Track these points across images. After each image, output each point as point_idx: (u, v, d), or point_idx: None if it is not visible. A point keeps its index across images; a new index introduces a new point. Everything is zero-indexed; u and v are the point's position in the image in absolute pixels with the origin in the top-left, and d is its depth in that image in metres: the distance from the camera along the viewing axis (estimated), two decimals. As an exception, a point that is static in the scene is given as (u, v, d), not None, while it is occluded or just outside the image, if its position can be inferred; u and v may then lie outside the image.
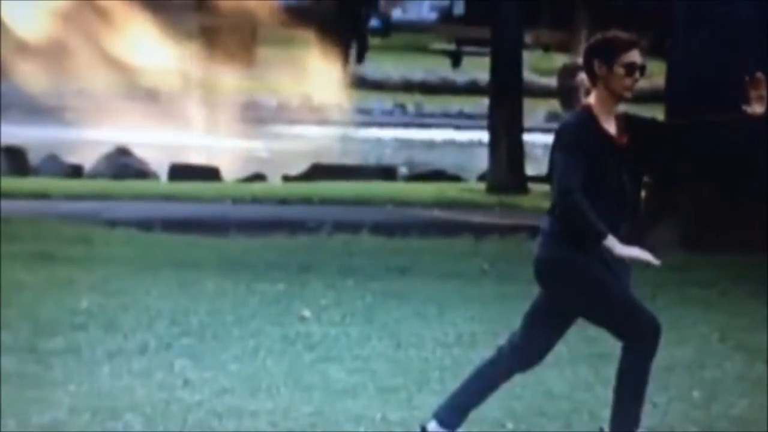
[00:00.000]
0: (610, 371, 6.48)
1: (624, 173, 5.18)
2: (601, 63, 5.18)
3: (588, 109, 5.21)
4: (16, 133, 19.86)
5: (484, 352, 7.13)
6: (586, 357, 6.91)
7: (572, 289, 5.22)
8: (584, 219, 5.09)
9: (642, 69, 5.22)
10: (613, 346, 6.99)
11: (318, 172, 17.33)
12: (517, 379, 6.48)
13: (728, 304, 8.74)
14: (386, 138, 25.40)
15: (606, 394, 5.60)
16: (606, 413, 5.37)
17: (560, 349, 7.12)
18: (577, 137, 5.15)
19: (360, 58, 28.71)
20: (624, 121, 5.26)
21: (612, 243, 5.10)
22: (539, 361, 5.44)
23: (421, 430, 5.42)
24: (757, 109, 5.30)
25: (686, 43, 11.86)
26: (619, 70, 5.17)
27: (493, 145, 16.37)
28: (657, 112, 8.40)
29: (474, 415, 5.80)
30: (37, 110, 24.36)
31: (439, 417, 5.39)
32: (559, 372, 6.70)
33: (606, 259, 5.17)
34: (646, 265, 5.17)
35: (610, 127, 5.22)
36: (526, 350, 5.37)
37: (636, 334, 5.21)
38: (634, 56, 5.19)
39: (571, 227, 5.13)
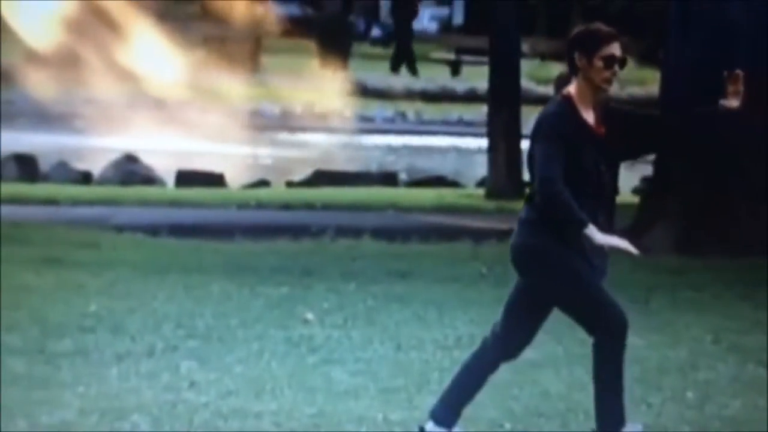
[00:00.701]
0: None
1: (602, 163, 5.17)
2: (581, 55, 5.18)
3: (568, 99, 5.21)
4: (27, 140, 19.88)
5: (483, 354, 7.15)
6: (581, 358, 6.89)
7: (544, 277, 5.22)
8: (565, 207, 5.08)
9: (622, 62, 5.19)
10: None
11: (321, 178, 17.33)
12: (514, 379, 6.48)
13: (721, 307, 8.73)
14: (387, 145, 25.40)
15: (602, 395, 5.58)
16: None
17: (556, 350, 7.14)
18: (556, 126, 5.15)
19: (413, 71, 28.18)
20: (603, 111, 5.25)
21: (592, 231, 5.08)
22: (521, 351, 5.40)
23: (419, 430, 5.42)
24: (732, 103, 5.29)
25: (680, 50, 11.86)
26: (599, 63, 5.16)
27: (492, 151, 16.37)
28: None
29: (472, 415, 5.80)
30: (47, 118, 24.37)
31: (435, 416, 5.40)
32: (555, 373, 6.70)
33: (583, 250, 5.15)
34: (626, 254, 5.15)
35: (589, 117, 5.21)
36: (507, 340, 5.36)
37: (604, 328, 5.19)
38: (614, 49, 5.17)
39: (551, 215, 5.13)
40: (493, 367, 5.41)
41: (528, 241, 5.22)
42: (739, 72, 5.29)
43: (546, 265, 5.19)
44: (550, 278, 5.22)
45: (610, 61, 5.17)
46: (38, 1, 25.74)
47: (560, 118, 5.17)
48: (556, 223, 5.12)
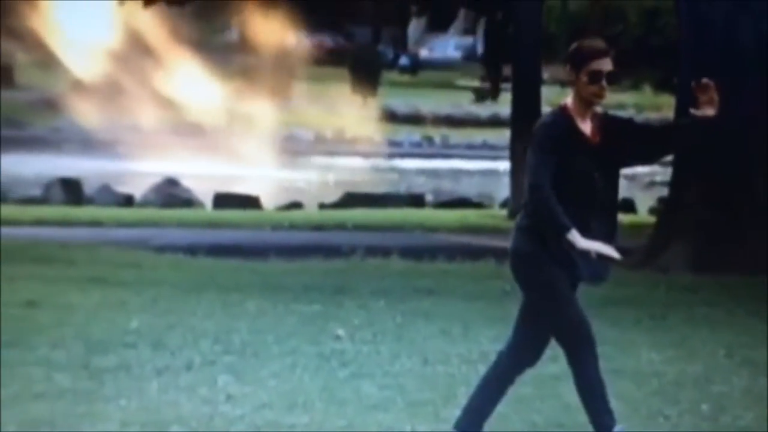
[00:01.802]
0: (624, 385, 6.45)
1: (595, 171, 5.13)
2: (570, 69, 5.17)
3: (564, 109, 5.18)
4: (72, 165, 19.98)
5: (506, 369, 7.12)
6: (604, 372, 6.86)
7: (525, 282, 5.19)
8: (549, 212, 5.02)
9: (610, 76, 5.13)
10: (625, 362, 6.95)
11: (351, 200, 17.35)
12: (537, 393, 6.45)
13: (734, 323, 8.67)
14: (415, 168, 25.40)
15: (620, 407, 5.55)
16: (620, 425, 5.32)
17: (577, 365, 7.08)
18: (549, 135, 5.11)
19: (494, 95, 27.50)
20: (601, 120, 5.21)
21: (574, 236, 5.00)
22: (535, 359, 5.32)
23: None
24: (708, 112, 5.24)
25: (693, 78, 11.81)
26: (584, 78, 5.12)
27: (514, 173, 16.35)
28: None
29: (497, 427, 5.76)
30: (91, 144, 24.52)
31: (459, 426, 5.37)
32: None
33: (569, 258, 5.05)
34: (610, 259, 5.10)
35: (585, 126, 5.16)
36: (521, 348, 5.32)
37: (570, 342, 5.15)
38: (600, 65, 5.11)
39: (539, 221, 5.10)
40: (510, 377, 5.37)
41: (518, 246, 5.21)
42: (707, 81, 5.23)
43: (528, 271, 5.17)
44: (529, 285, 5.20)
45: (594, 76, 5.13)
46: (84, 33, 25.90)
47: (553, 127, 5.14)
48: (543, 229, 5.09)
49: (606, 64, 5.13)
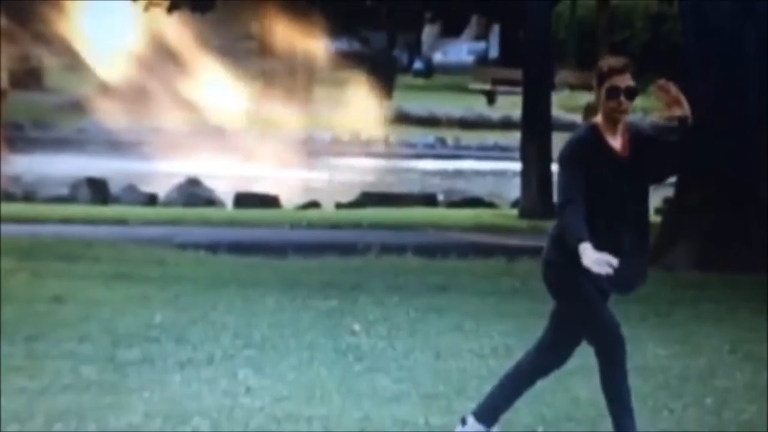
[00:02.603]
0: (631, 379, 6.41)
1: (625, 184, 5.10)
2: (595, 86, 5.17)
3: (594, 125, 5.17)
4: (99, 166, 20.01)
5: (517, 363, 7.10)
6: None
7: (556, 290, 5.17)
8: (567, 225, 4.99)
9: (628, 92, 5.10)
10: (632, 357, 6.92)
11: (367, 199, 17.34)
12: (547, 387, 6.43)
13: (738, 320, 8.66)
14: (428, 168, 25.38)
15: (627, 401, 5.53)
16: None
17: (586, 359, 7.06)
18: (577, 151, 5.09)
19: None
20: (632, 135, 5.17)
21: (584, 250, 4.92)
22: (563, 362, 5.33)
23: (461, 420, 5.39)
24: (676, 112, 5.20)
25: (698, 84, 11.79)
26: (603, 94, 5.11)
27: (525, 174, 16.33)
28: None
29: (509, 419, 5.75)
30: (117, 145, 24.56)
31: (477, 414, 5.36)
32: (585, 381, 6.63)
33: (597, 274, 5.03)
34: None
35: (616, 141, 5.14)
36: (548, 351, 5.30)
37: (599, 346, 5.15)
38: (617, 81, 5.09)
39: (560, 232, 5.08)
40: (532, 378, 5.36)
41: (548, 255, 5.20)
42: (663, 82, 5.18)
43: (556, 279, 5.16)
44: (557, 293, 5.20)
45: (611, 92, 5.11)
46: (110, 38, 25.94)
47: (582, 143, 5.13)
48: (565, 240, 5.08)
49: (624, 80, 5.11)
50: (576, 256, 5.03)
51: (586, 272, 5.04)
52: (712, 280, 10.18)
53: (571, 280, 5.11)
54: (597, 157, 5.10)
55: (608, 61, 5.16)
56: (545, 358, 5.34)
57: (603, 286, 5.14)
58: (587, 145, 5.12)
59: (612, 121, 5.14)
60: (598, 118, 5.19)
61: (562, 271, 5.13)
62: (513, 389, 5.39)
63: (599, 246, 5.03)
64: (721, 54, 11.56)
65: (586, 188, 5.06)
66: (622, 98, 5.11)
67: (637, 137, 5.19)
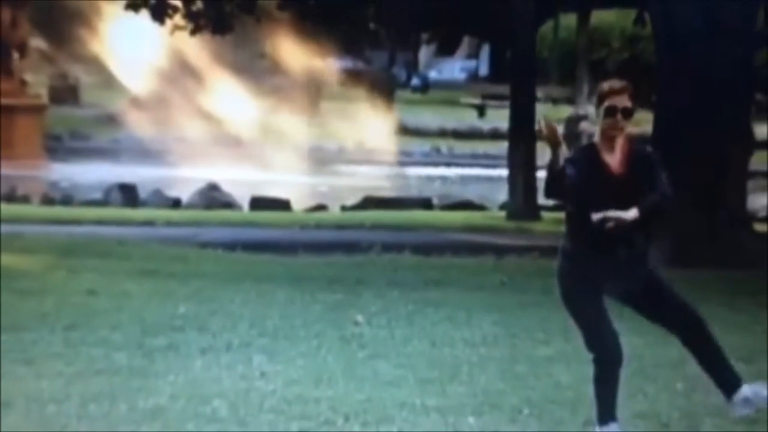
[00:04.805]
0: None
1: (617, 199, 5.01)
2: (595, 106, 5.14)
3: (592, 144, 5.12)
4: (129, 172, 19.99)
5: (504, 350, 7.09)
6: (588, 354, 6.81)
7: (561, 298, 5.12)
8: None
9: (625, 112, 5.04)
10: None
11: (369, 203, 17.31)
12: (531, 372, 6.41)
13: (706, 312, 8.58)
14: (425, 175, 25.36)
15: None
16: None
17: (566, 347, 7.05)
18: (570, 155, 5.01)
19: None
20: (631, 153, 5.08)
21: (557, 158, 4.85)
22: (617, 350, 5.10)
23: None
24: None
25: (670, 97, 11.78)
26: (601, 112, 5.08)
27: (512, 180, 16.31)
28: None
29: (496, 402, 5.73)
30: (146, 153, 24.52)
31: (600, 421, 5.14)
32: (566, 367, 6.62)
33: (595, 273, 4.99)
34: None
35: (612, 158, 5.07)
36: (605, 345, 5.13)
37: (596, 355, 5.07)
38: (614, 101, 5.04)
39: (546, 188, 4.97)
40: (615, 371, 5.12)
41: (558, 264, 5.12)
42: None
43: (559, 286, 5.09)
44: (563, 300, 5.12)
45: (609, 111, 5.06)
46: (139, 57, 25.94)
47: (576, 152, 5.06)
48: (549, 192, 4.98)
49: (621, 101, 5.05)
50: (579, 265, 4.94)
51: (588, 279, 4.97)
52: (683, 275, 10.15)
53: (574, 290, 5.04)
54: (591, 170, 5.03)
55: (609, 83, 5.12)
56: (610, 352, 5.11)
57: (609, 292, 5.07)
58: (583, 159, 5.02)
59: (608, 138, 5.08)
60: (596, 137, 5.14)
61: (566, 281, 5.06)
62: (609, 383, 5.14)
63: (595, 256, 4.98)
64: (691, 70, 11.53)
65: (583, 202, 4.98)
66: (619, 117, 5.05)
67: (635, 155, 5.09)
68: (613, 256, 5.02)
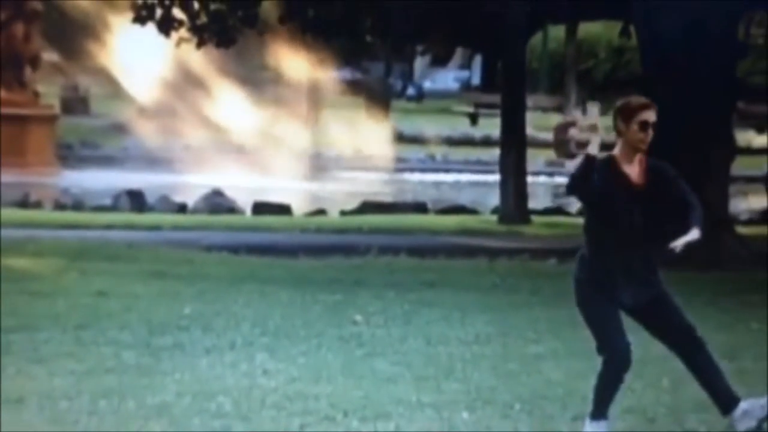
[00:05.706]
0: (598, 362, 6.39)
1: (636, 210, 5.00)
2: (621, 121, 5.08)
3: (611, 156, 5.09)
4: (137, 179, 19.96)
5: (497, 348, 7.09)
6: (579, 352, 6.80)
7: (576, 303, 5.11)
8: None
9: (654, 126, 5.06)
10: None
11: (367, 207, 17.29)
12: (523, 369, 6.40)
13: (691, 311, 8.57)
14: (420, 181, 25.35)
15: (594, 381, 5.49)
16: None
17: (557, 345, 7.05)
18: (595, 168, 4.94)
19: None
20: (648, 166, 5.07)
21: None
22: (627, 354, 5.12)
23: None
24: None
25: (653, 103, 11.76)
26: (634, 127, 5.05)
27: (503, 185, 16.30)
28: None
29: (489, 398, 5.72)
30: (153, 161, 24.49)
31: (592, 416, 5.17)
32: (556, 364, 6.61)
33: (609, 281, 4.95)
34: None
35: (632, 170, 5.05)
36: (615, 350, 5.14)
37: (605, 358, 5.07)
38: (646, 116, 5.05)
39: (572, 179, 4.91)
40: (621, 374, 5.14)
41: (575, 273, 5.10)
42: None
43: (575, 294, 5.08)
44: (577, 305, 5.11)
45: (644, 125, 5.07)
46: (147, 69, 25.93)
47: (597, 162, 4.97)
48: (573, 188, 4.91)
49: (652, 116, 5.07)
50: (595, 273, 4.91)
51: (604, 287, 4.94)
52: (669, 276, 10.12)
53: (589, 297, 5.02)
54: (609, 182, 4.98)
55: (635, 99, 5.10)
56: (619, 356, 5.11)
57: (621, 302, 5.03)
58: (601, 171, 4.96)
59: (635, 150, 5.06)
60: (615, 151, 5.10)
61: (583, 287, 5.03)
62: (611, 385, 5.13)
63: (609, 265, 4.96)
64: (674, 77, 11.52)
65: (600, 211, 4.95)
66: (650, 130, 5.05)
67: (653, 168, 5.08)
68: (629, 265, 4.99)
